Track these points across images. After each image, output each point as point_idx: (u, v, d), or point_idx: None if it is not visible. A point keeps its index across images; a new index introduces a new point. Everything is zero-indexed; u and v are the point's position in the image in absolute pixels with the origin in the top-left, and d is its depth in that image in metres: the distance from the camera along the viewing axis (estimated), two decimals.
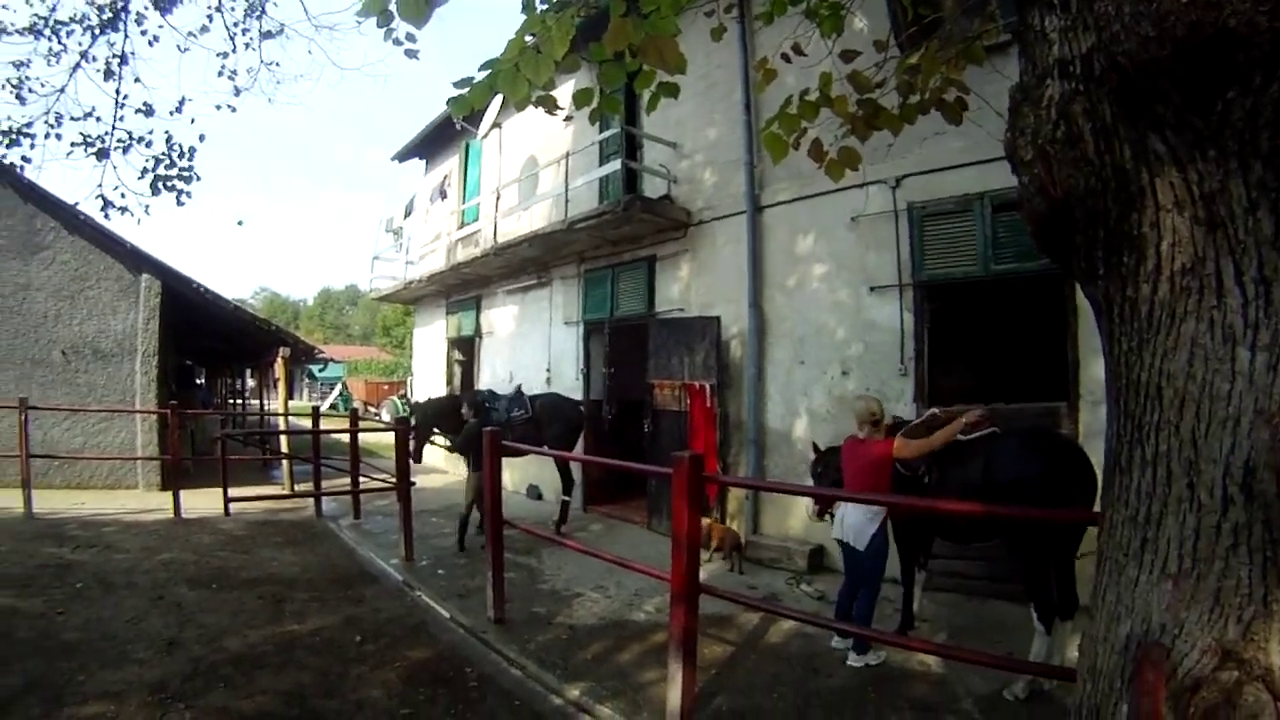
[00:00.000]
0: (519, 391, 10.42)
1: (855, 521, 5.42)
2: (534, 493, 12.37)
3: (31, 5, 7.74)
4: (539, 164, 12.65)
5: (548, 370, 12.57)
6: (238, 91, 8.42)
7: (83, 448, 13.10)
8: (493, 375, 14.35)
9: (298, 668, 5.36)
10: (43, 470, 12.20)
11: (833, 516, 5.68)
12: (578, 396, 11.60)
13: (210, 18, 8.03)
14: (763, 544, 8.29)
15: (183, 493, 10.85)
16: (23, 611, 6.45)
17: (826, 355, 8.10)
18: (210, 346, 21.16)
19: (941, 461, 5.38)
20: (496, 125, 14.20)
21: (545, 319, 12.83)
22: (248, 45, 8.34)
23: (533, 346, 13.16)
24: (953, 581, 6.80)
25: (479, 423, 8.64)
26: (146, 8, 7.89)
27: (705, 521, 7.68)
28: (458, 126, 15.15)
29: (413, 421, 9.85)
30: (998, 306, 8.20)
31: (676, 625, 4.40)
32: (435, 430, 10.40)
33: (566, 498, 10.06)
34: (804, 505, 8.03)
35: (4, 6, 8.51)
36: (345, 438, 13.67)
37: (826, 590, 7.10)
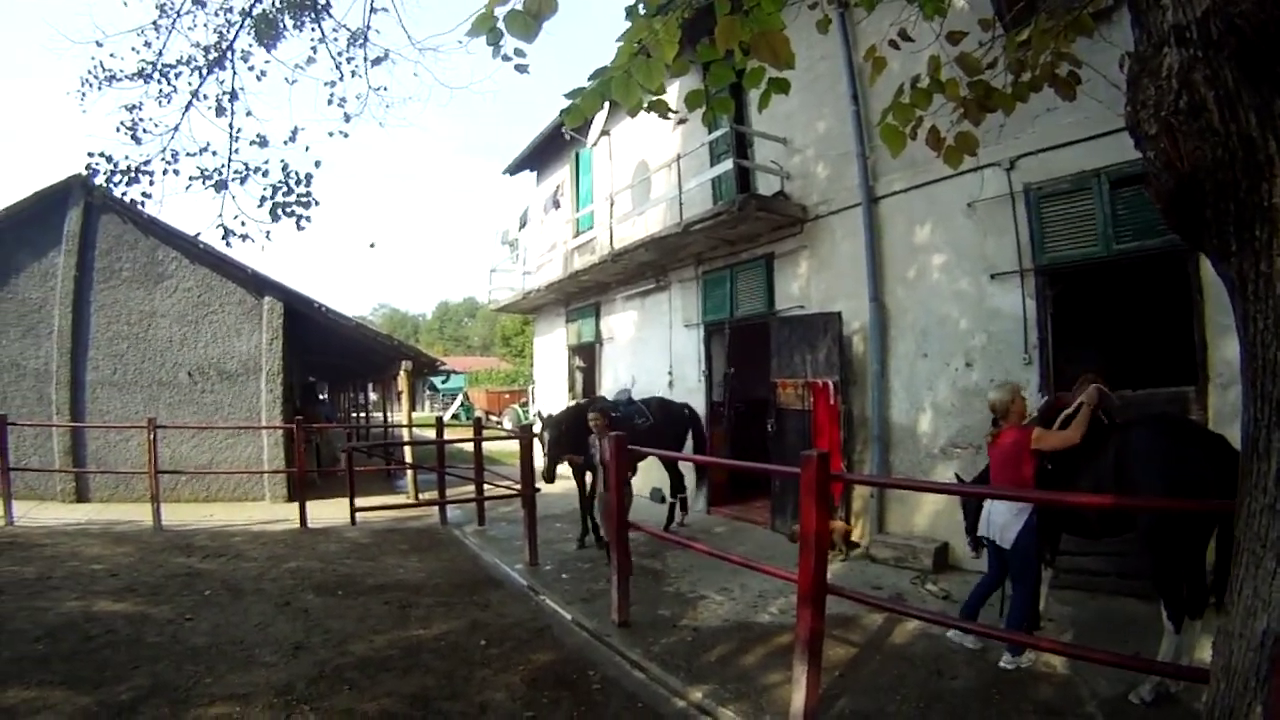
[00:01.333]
0: (631, 398, 10.45)
1: (999, 518, 5.26)
2: (657, 495, 12.38)
3: (139, 51, 8.07)
4: (650, 168, 12.73)
5: (669, 373, 12.60)
6: (348, 118, 8.54)
7: (210, 463, 13.84)
8: (615, 381, 14.47)
9: (422, 671, 5.46)
10: (171, 485, 12.95)
11: (980, 544, 5.59)
12: (700, 398, 11.65)
13: (315, 49, 8.28)
14: (888, 542, 8.09)
15: (309, 503, 11.28)
16: (152, 618, 6.73)
17: (950, 347, 7.87)
18: (333, 363, 21.98)
19: (1065, 452, 5.14)
20: (605, 133, 14.30)
21: (665, 322, 12.85)
22: (354, 73, 8.44)
23: (654, 350, 13.21)
24: (1079, 579, 6.52)
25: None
26: (251, 45, 8.12)
27: None
28: (567, 137, 15.43)
29: (545, 437, 9.45)
30: (1121, 288, 7.80)
31: (803, 626, 4.38)
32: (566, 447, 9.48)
33: (672, 500, 10.26)
34: (929, 501, 7.91)
35: (112, 55, 8.86)
36: (468, 447, 13.97)
37: (952, 589, 6.89)
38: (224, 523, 11.60)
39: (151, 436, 11.28)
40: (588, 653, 5.93)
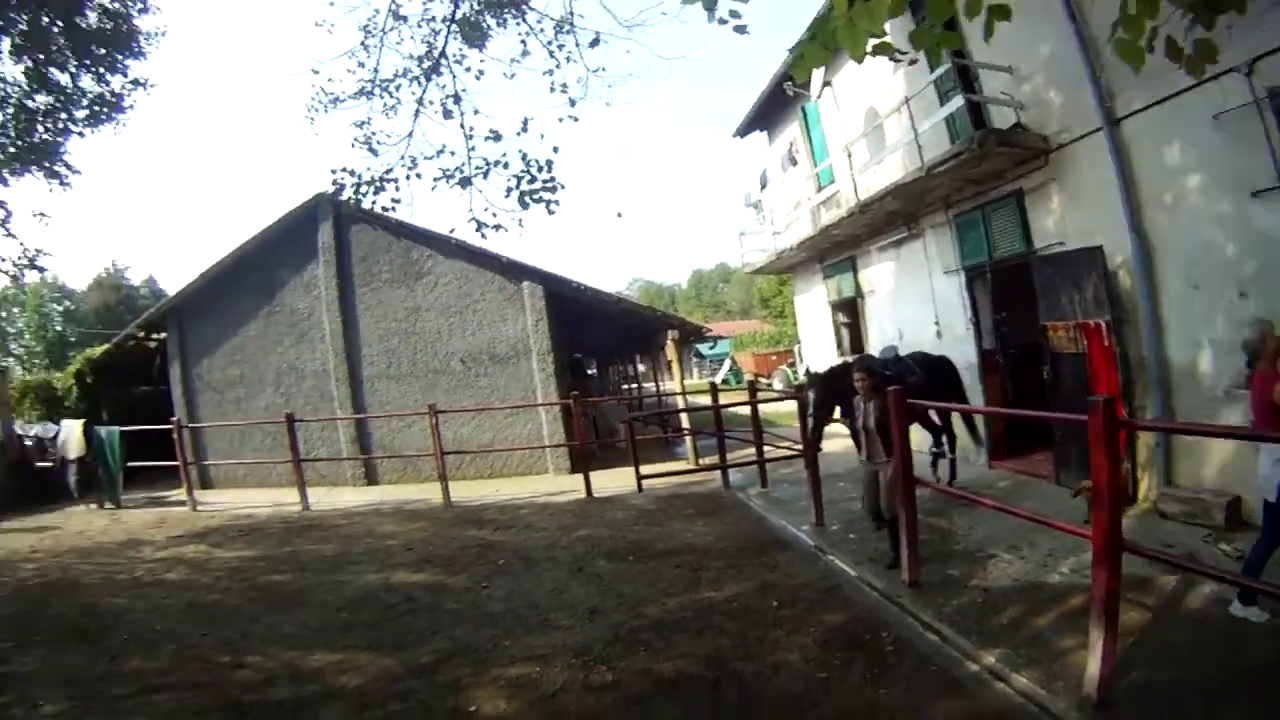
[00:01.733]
0: (898, 354, 10.15)
1: (1264, 469, 4.82)
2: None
3: (354, 72, 8.84)
4: (879, 115, 12.28)
5: (936, 323, 12.15)
6: (573, 102, 8.79)
7: (491, 442, 15.14)
8: (881, 334, 14.18)
9: (716, 632, 5.72)
10: (456, 464, 14.28)
11: None
12: (969, 347, 11.25)
13: (524, 42, 8.68)
14: (1176, 496, 7.46)
15: (591, 474, 11.92)
16: (450, 586, 7.50)
17: (1219, 276, 7.05)
18: (598, 338, 22.83)
19: None
20: (827, 84, 13.98)
21: (924, 271, 12.38)
22: (568, 59, 8.74)
23: (916, 300, 12.75)
24: None
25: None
26: (462, 49, 8.57)
27: None
28: (790, 92, 15.17)
29: (809, 397, 8.69)
30: None
31: (1098, 587, 4.27)
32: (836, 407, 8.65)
33: (951, 454, 10.02)
34: (1219, 450, 7.23)
35: (329, 79, 9.72)
36: (741, 410, 14.25)
37: (1246, 549, 6.26)
38: (511, 496, 12.57)
39: (433, 421, 12.52)
40: (878, 613, 6.00)
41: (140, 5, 10.63)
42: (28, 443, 16.14)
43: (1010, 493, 9.27)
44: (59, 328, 60.45)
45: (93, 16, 10.19)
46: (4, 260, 11.62)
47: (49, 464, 15.65)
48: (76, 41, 10.12)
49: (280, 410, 15.13)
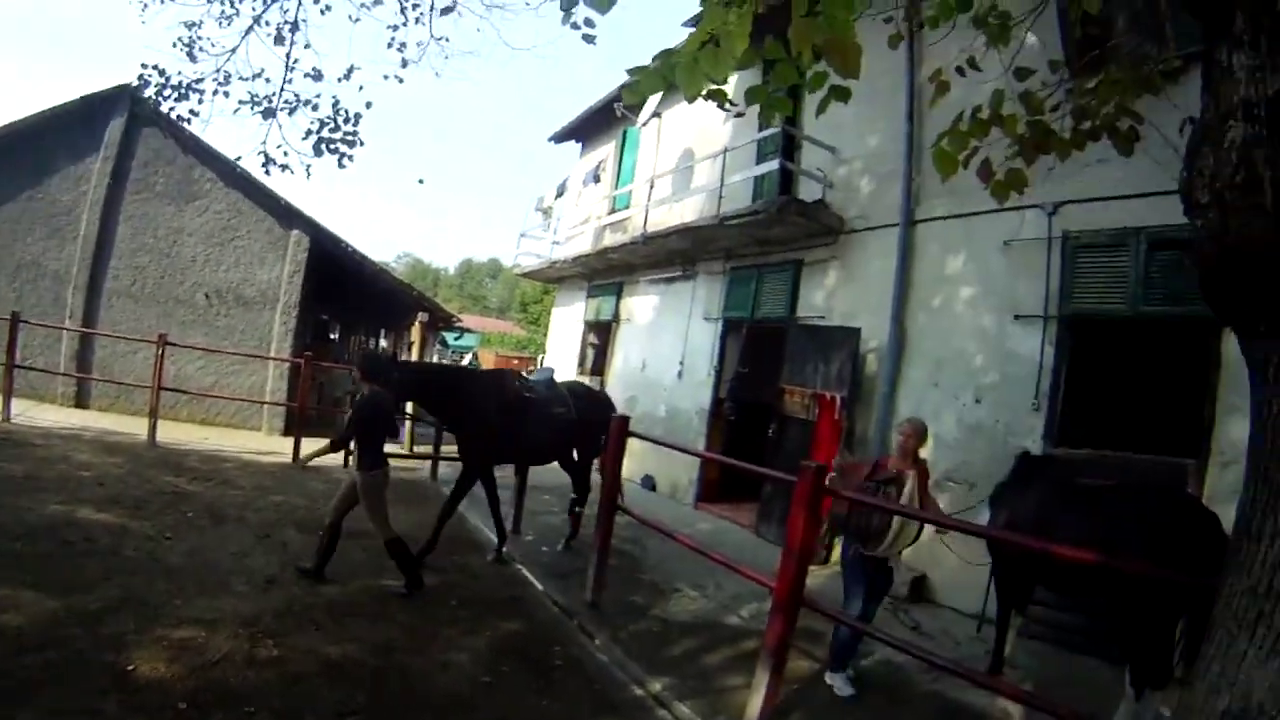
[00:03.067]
0: (553, 380, 8.87)
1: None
2: (649, 483, 12.43)
3: None
4: (695, 156, 12.65)
5: (681, 363, 12.53)
6: (405, 64, 8.50)
7: (213, 386, 14.07)
8: (625, 362, 14.58)
9: (390, 622, 5.55)
10: (171, 403, 13.20)
11: None
12: (707, 392, 11.66)
13: None
14: None
15: (304, 440, 11.23)
16: (132, 532, 6.83)
17: (961, 381, 7.78)
18: (348, 304, 22.08)
19: (1056, 508, 5.10)
20: (656, 114, 14.19)
21: (685, 312, 12.73)
22: (418, 19, 8.40)
23: (670, 338, 13.08)
24: (1048, 631, 6.44)
25: (367, 401, 6.57)
26: None
27: None
28: (619, 113, 15.36)
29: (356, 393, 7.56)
30: (1139, 350, 7.71)
31: (772, 633, 4.42)
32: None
33: (575, 508, 8.71)
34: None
35: None
36: None
37: (924, 622, 6.86)
38: (218, 447, 11.82)
39: (160, 352, 11.49)
40: (556, 628, 6.03)
41: None
42: None
43: (709, 535, 9.51)
44: None
45: None
46: None
47: None
48: None
49: (7, 308, 13.12)
